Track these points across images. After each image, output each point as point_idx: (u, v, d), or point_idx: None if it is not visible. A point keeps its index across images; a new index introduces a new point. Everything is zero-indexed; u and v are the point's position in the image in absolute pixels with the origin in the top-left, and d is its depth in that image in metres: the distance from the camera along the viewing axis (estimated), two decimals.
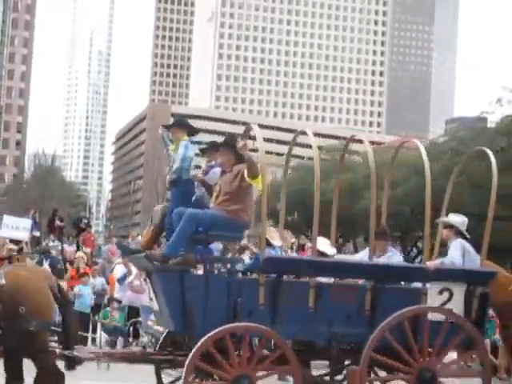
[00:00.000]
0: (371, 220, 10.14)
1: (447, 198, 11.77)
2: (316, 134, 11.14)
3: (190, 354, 9.28)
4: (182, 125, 11.00)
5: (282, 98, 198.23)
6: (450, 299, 10.14)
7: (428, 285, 10.18)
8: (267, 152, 9.95)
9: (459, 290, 10.20)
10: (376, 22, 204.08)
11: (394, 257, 11.19)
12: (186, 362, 9.25)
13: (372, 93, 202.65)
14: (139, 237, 23.45)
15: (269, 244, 11.40)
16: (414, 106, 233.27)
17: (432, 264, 10.34)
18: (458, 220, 11.04)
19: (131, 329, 19.60)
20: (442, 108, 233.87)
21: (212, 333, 9.22)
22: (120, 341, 19.26)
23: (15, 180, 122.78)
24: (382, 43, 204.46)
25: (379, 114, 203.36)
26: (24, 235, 21.38)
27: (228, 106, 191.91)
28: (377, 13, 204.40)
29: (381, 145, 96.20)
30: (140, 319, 18.55)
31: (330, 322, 9.80)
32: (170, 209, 10.42)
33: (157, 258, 9.73)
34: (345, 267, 10.43)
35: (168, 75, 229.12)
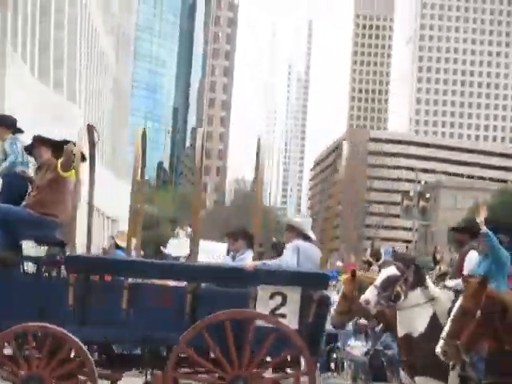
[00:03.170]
0: None
1: None
2: None
3: None
4: (4, 123, 10.56)
5: (484, 121, 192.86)
6: (283, 304, 9.30)
7: (258, 288, 9.35)
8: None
9: (294, 295, 9.34)
10: None
11: (246, 258, 10.42)
12: None
13: None
14: (338, 263, 23.91)
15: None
16: None
17: (252, 265, 9.48)
18: (299, 220, 10.21)
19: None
20: None
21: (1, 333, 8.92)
22: None
23: (216, 206, 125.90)
24: None
25: None
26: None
27: (428, 130, 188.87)
28: None
29: None
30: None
31: (144, 326, 9.26)
32: None
33: None
34: (156, 268, 9.75)
35: (366, 100, 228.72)
